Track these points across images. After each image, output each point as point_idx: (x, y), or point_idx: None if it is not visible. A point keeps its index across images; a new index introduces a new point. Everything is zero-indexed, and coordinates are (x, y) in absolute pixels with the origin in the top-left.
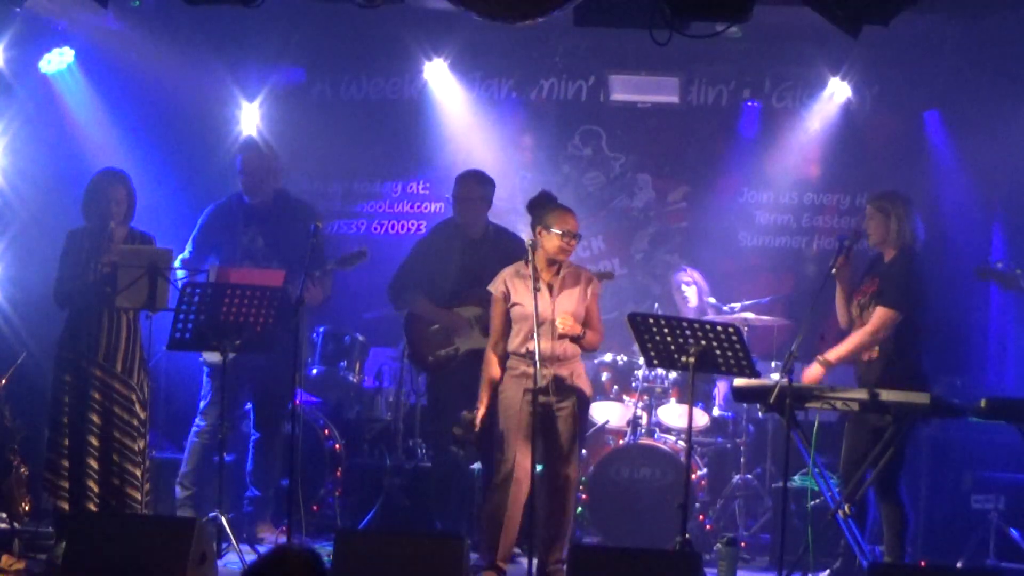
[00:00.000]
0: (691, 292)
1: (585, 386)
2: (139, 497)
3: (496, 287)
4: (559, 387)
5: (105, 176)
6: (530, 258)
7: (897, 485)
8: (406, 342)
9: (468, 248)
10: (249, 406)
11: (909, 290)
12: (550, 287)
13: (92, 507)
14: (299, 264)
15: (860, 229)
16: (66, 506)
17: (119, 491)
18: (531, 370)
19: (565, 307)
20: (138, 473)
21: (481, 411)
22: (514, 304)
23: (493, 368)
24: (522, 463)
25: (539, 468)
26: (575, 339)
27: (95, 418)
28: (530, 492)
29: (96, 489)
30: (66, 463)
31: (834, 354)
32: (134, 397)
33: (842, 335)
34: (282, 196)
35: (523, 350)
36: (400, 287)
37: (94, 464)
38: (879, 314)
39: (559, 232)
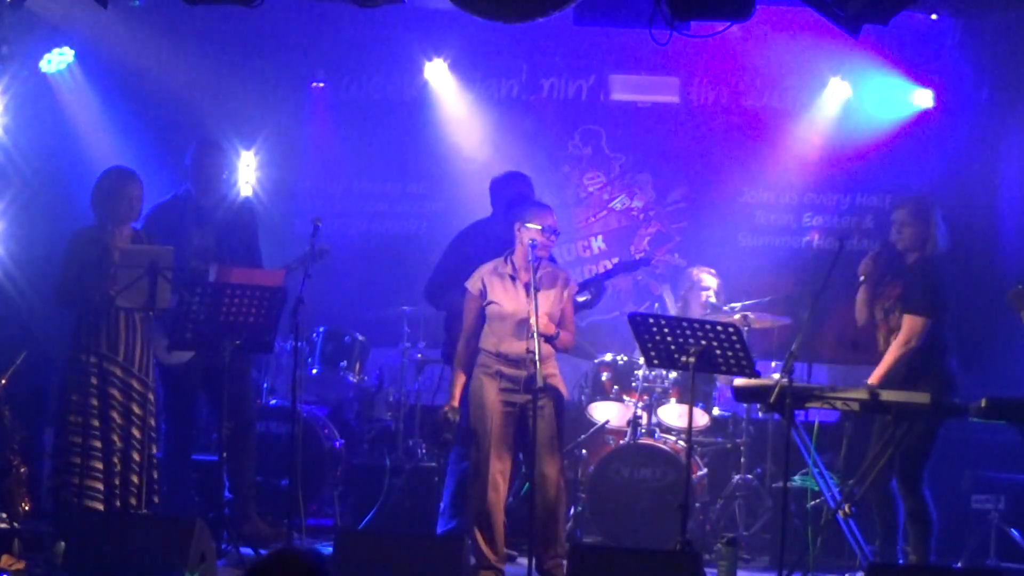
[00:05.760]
0: (712, 294)
1: (560, 384)
2: (150, 496)
3: (472, 283)
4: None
5: (121, 174)
6: (533, 256)
7: (920, 482)
8: (446, 340)
9: (502, 247)
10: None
11: (936, 295)
12: (527, 286)
13: (117, 504)
14: (244, 262)
15: (887, 239)
16: (100, 506)
17: (139, 488)
18: (506, 370)
19: (541, 307)
20: (153, 472)
21: (452, 406)
22: (490, 302)
23: (463, 364)
24: (497, 464)
25: (524, 468)
26: (548, 339)
27: (116, 417)
28: (526, 491)
29: (118, 485)
30: (99, 464)
31: (875, 377)
32: (149, 395)
33: (861, 332)
34: (227, 196)
35: (495, 350)
36: (437, 287)
37: (116, 462)
38: (908, 323)
39: (539, 227)
